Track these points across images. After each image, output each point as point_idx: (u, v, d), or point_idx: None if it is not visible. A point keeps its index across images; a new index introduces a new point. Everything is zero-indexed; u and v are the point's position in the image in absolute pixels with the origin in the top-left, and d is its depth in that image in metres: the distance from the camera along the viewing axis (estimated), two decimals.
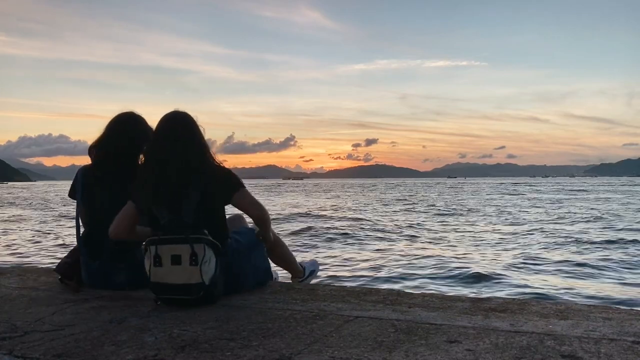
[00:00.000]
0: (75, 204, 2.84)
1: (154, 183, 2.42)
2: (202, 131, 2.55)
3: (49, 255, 10.33)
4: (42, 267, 3.70)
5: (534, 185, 79.99)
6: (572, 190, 52.88)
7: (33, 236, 14.03)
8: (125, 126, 2.81)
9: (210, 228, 2.36)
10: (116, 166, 2.75)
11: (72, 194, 2.84)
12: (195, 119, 2.56)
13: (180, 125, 2.50)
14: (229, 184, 2.45)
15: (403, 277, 7.71)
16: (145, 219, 2.52)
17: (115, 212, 2.68)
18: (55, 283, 2.86)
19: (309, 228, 15.15)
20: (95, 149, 2.79)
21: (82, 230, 2.81)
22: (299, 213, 21.74)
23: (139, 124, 2.85)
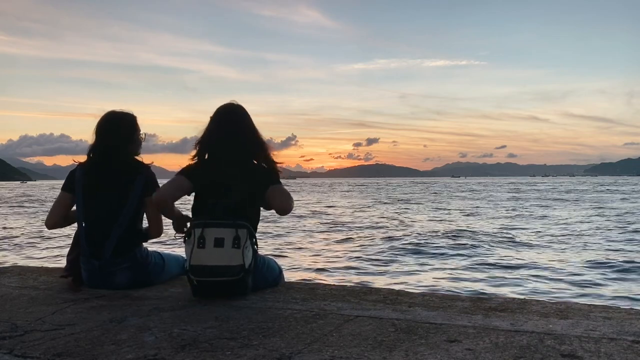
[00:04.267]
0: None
1: (210, 170, 2.58)
2: (253, 123, 2.70)
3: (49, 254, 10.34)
4: (42, 267, 3.69)
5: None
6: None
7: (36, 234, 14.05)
8: (117, 124, 2.78)
9: (249, 219, 2.46)
10: (113, 165, 2.74)
11: (66, 188, 2.81)
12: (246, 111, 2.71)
13: (234, 118, 2.67)
14: (270, 177, 2.60)
15: None
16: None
17: (114, 212, 2.67)
18: (55, 282, 2.86)
19: None
20: (91, 149, 2.78)
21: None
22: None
23: (128, 121, 2.83)
